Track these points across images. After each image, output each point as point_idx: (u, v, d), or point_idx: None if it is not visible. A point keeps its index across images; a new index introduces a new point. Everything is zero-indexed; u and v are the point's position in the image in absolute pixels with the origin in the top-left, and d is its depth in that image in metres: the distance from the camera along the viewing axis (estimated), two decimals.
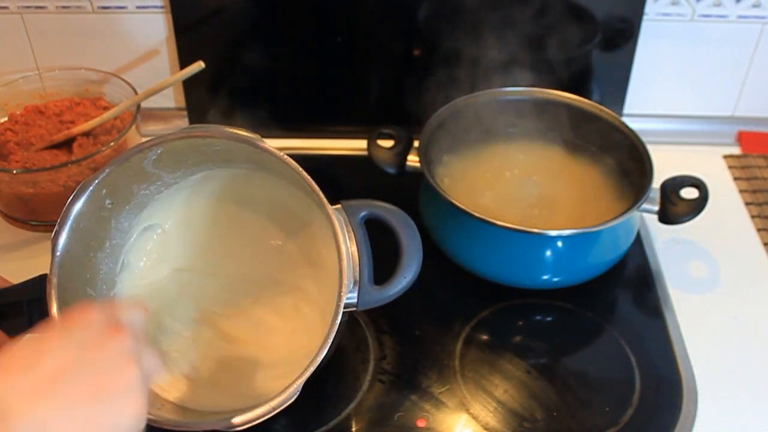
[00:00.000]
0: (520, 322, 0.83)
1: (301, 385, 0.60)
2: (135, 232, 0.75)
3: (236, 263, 0.78)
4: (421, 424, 0.72)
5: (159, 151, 0.68)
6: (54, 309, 0.63)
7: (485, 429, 0.72)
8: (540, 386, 0.75)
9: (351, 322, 0.79)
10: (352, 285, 0.63)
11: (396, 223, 0.67)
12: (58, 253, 0.65)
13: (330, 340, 0.61)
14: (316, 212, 0.73)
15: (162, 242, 0.77)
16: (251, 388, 0.69)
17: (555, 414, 0.73)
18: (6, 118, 0.98)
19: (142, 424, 0.50)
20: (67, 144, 0.94)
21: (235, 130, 0.65)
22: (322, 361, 0.61)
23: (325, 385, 0.75)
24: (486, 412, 0.73)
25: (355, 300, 0.64)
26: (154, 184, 0.74)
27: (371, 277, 0.65)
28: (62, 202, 0.89)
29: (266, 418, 0.60)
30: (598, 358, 0.79)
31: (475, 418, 0.73)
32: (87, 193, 0.67)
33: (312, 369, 0.61)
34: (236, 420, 0.60)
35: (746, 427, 0.73)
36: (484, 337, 0.81)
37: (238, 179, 0.76)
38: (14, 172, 0.88)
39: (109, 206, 0.71)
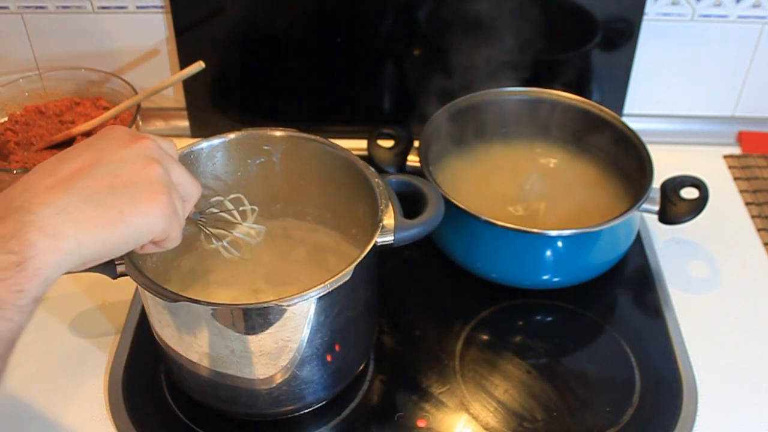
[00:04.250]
0: (520, 322, 0.84)
1: (353, 270, 0.62)
2: None
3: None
4: (421, 424, 0.72)
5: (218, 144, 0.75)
6: None
7: (485, 429, 0.72)
8: (540, 386, 0.75)
9: None
10: (386, 207, 0.68)
11: (420, 183, 0.74)
12: None
13: (374, 240, 0.65)
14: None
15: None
16: None
17: (555, 414, 0.73)
18: (6, 118, 0.98)
19: (169, 227, 0.52)
20: (67, 144, 0.94)
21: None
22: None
23: None
24: (486, 412, 0.73)
25: (392, 238, 0.67)
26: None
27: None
28: None
29: (314, 297, 0.61)
30: (598, 358, 0.79)
31: (475, 418, 0.73)
32: None
33: (363, 255, 0.63)
34: (299, 297, 0.60)
35: (746, 427, 0.73)
36: (484, 337, 0.81)
37: None
38: (14, 172, 0.88)
39: None
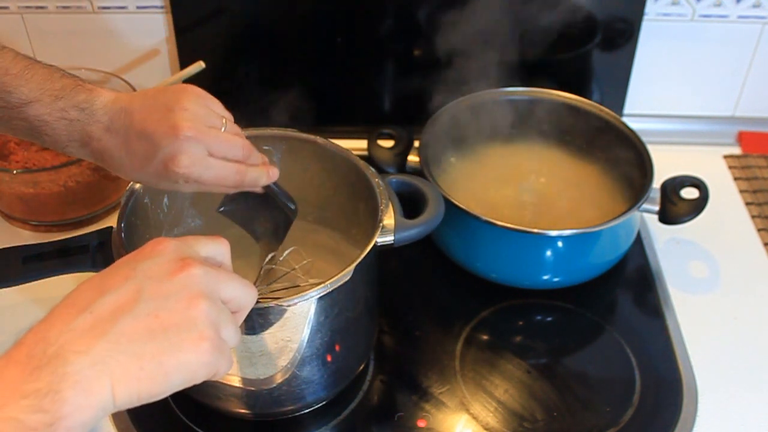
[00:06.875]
0: (520, 322, 0.84)
1: (353, 270, 0.62)
2: None
3: None
4: (421, 424, 0.72)
5: None
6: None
7: (485, 429, 0.72)
8: (540, 386, 0.75)
9: None
10: (386, 207, 0.69)
11: (420, 183, 0.74)
12: (125, 220, 0.68)
13: (374, 240, 0.66)
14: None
15: None
16: None
17: (555, 414, 0.73)
18: None
19: (215, 369, 0.48)
20: None
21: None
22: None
23: None
24: (486, 412, 0.73)
25: (392, 238, 0.68)
26: (200, 217, 0.77)
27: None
28: (62, 202, 0.90)
29: (314, 297, 0.61)
30: (598, 358, 0.79)
31: (475, 418, 0.73)
32: None
33: (363, 255, 0.63)
34: (299, 297, 0.60)
35: (746, 427, 0.73)
36: (484, 337, 0.81)
37: None
38: (14, 172, 0.88)
39: (166, 209, 0.73)
